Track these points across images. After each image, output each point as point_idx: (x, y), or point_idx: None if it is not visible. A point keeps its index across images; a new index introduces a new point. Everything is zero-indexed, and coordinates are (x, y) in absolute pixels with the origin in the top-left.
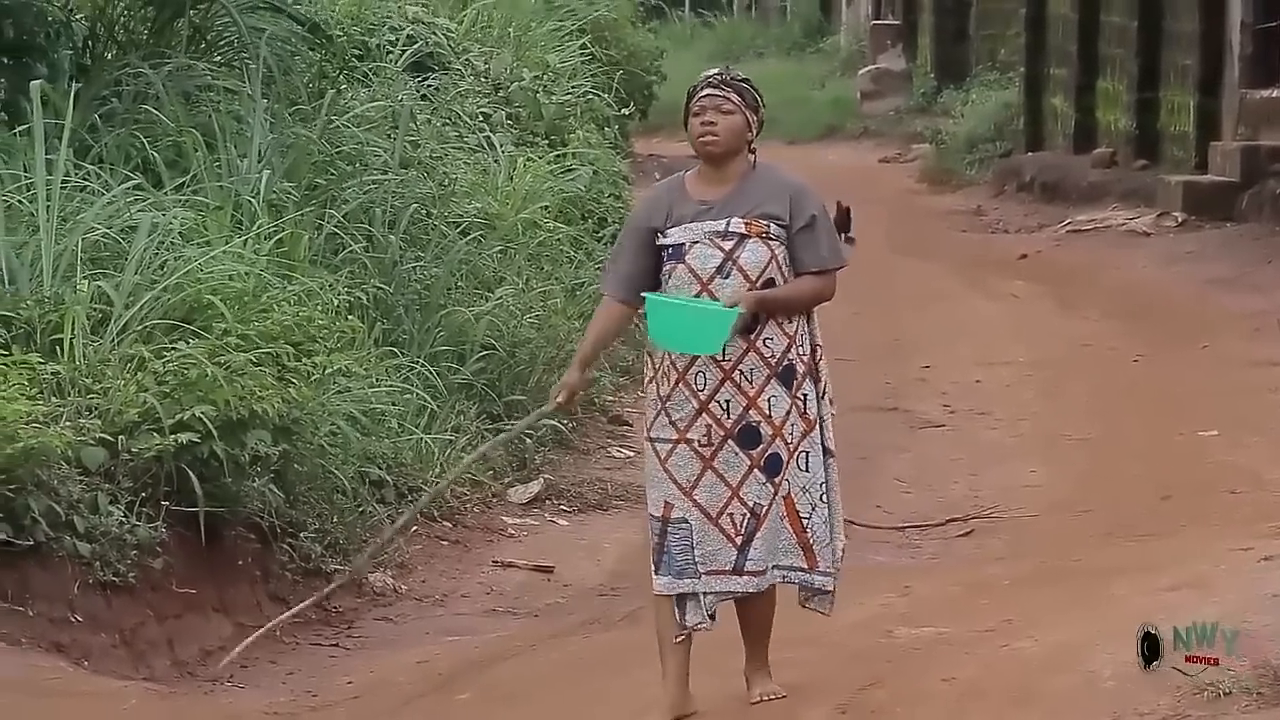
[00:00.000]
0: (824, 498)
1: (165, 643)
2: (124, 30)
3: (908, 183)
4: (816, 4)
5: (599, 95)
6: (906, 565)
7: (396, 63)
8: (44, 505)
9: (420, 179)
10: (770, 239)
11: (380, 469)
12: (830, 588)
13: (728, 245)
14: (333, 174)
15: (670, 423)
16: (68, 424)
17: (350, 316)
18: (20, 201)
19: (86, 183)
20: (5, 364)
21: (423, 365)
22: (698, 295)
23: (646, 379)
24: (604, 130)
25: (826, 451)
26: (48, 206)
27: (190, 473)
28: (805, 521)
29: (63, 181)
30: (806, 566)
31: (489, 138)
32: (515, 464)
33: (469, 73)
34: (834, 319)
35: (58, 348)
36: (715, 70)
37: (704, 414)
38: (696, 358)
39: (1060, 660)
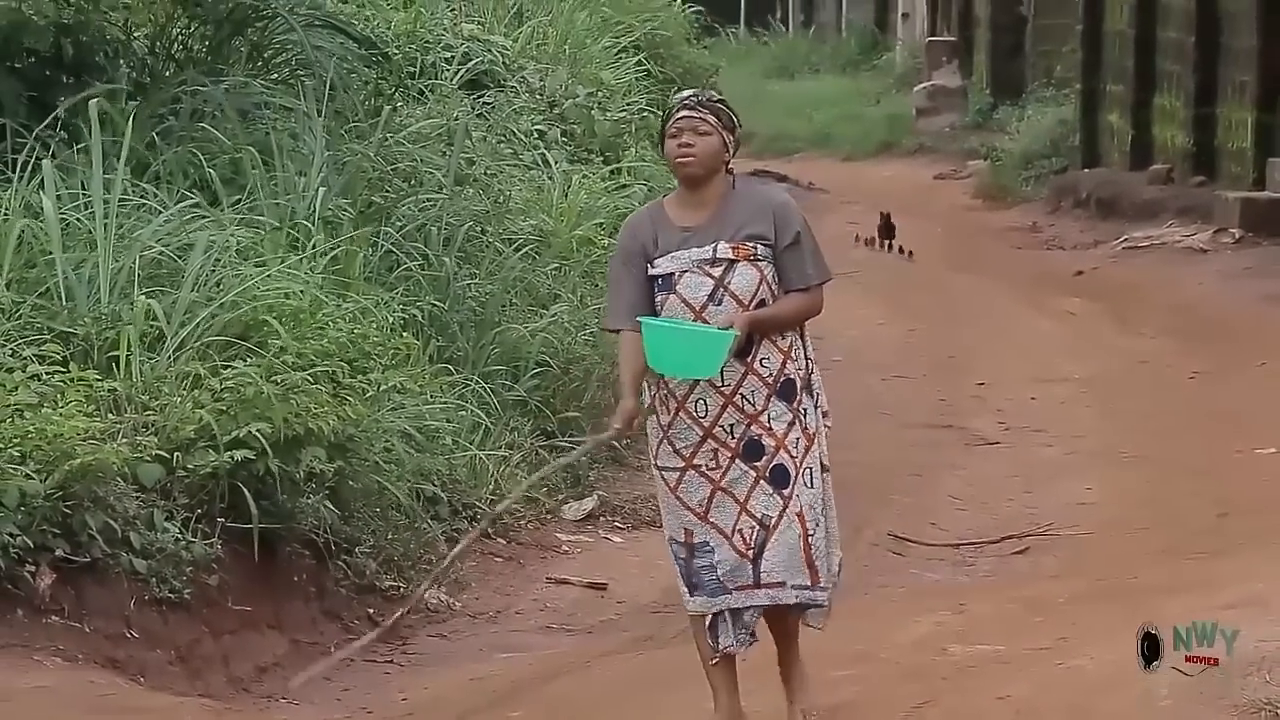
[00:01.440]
0: (824, 513)
1: (221, 659)
2: (182, 48)
3: (963, 199)
4: (872, 20)
5: (654, 112)
6: (961, 583)
7: (452, 80)
8: (101, 522)
9: (475, 196)
10: (758, 260)
11: (435, 485)
12: (825, 602)
13: (717, 272)
14: (388, 191)
15: (675, 451)
16: (124, 441)
17: (405, 334)
18: (79, 219)
19: (144, 200)
20: (63, 381)
21: (477, 382)
22: (699, 324)
23: (645, 406)
24: (658, 147)
25: (823, 468)
26: (105, 224)
27: (245, 490)
28: (810, 538)
29: (120, 199)
30: (810, 583)
31: (544, 155)
32: (569, 481)
33: (524, 90)
34: (888, 336)
35: (115, 365)
36: (690, 91)
37: (709, 440)
38: (695, 385)
39: (1116, 678)
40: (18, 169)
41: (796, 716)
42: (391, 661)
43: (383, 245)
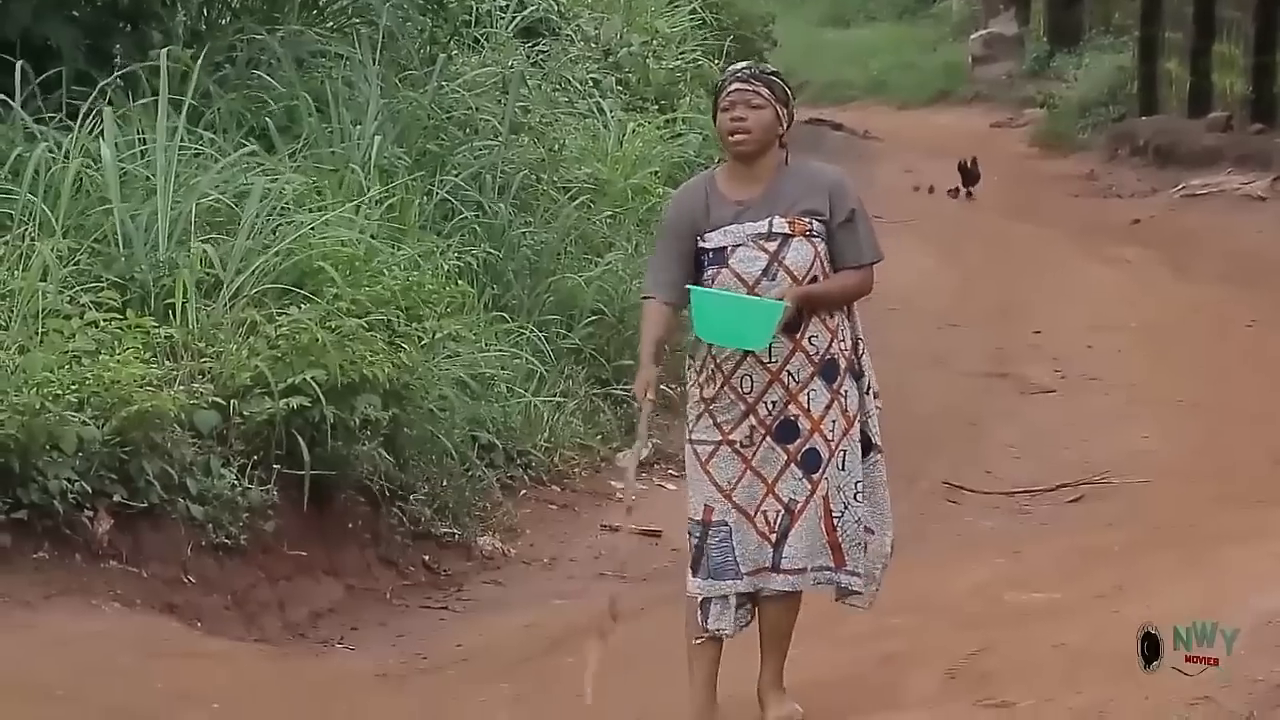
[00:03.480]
0: (857, 496)
1: (276, 604)
2: None
3: (1020, 148)
4: None
5: (709, 60)
6: (1017, 530)
7: (507, 28)
8: (158, 468)
9: (530, 145)
10: (813, 236)
11: (489, 433)
12: (858, 588)
13: (772, 246)
14: (443, 140)
15: (715, 424)
16: (181, 388)
17: (460, 282)
18: (135, 168)
19: (200, 148)
20: (120, 328)
21: (532, 330)
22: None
23: (689, 382)
24: (711, 117)
25: (874, 447)
26: (163, 172)
27: (300, 437)
28: (837, 520)
29: (178, 147)
30: (834, 565)
31: (598, 103)
32: (623, 428)
33: (579, 38)
34: (945, 285)
35: (171, 312)
36: (744, 64)
37: (750, 415)
38: (743, 360)
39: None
40: (78, 117)
41: None
42: (446, 608)
43: (438, 193)
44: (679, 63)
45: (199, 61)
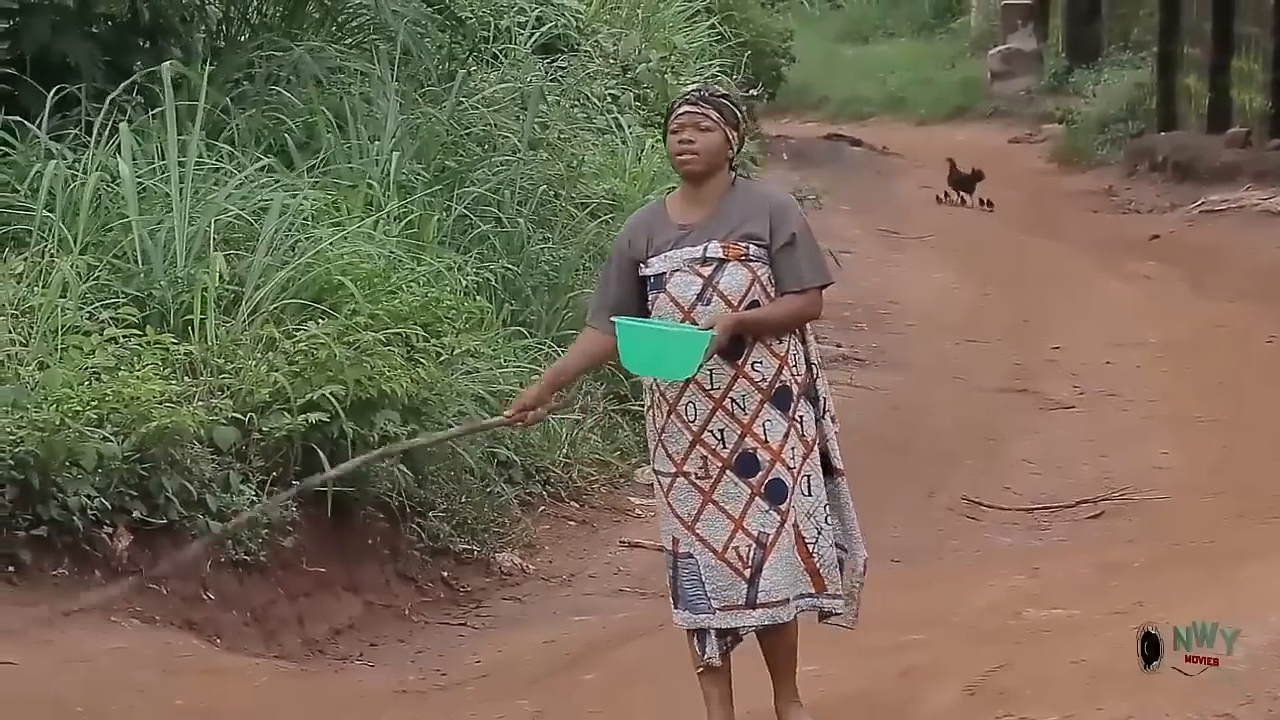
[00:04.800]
0: (828, 519)
1: (296, 620)
2: (257, 13)
3: (1038, 163)
4: None
5: (727, 76)
6: (1035, 547)
7: (525, 44)
8: (177, 484)
9: (549, 160)
10: (750, 260)
11: (508, 449)
12: (840, 609)
13: (707, 271)
14: (462, 155)
15: (667, 455)
16: (200, 403)
17: (478, 297)
18: (154, 183)
19: (219, 164)
20: (139, 344)
21: (550, 345)
22: (681, 324)
23: (646, 410)
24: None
25: (835, 470)
26: (181, 188)
27: (320, 452)
28: (811, 547)
29: (196, 163)
30: (814, 591)
31: (617, 119)
32: (641, 445)
33: (597, 54)
34: (963, 300)
35: (190, 328)
36: (694, 87)
37: (698, 445)
38: (686, 389)
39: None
40: (95, 132)
41: None
42: (465, 624)
43: (456, 209)
44: (697, 78)
45: (205, 77)
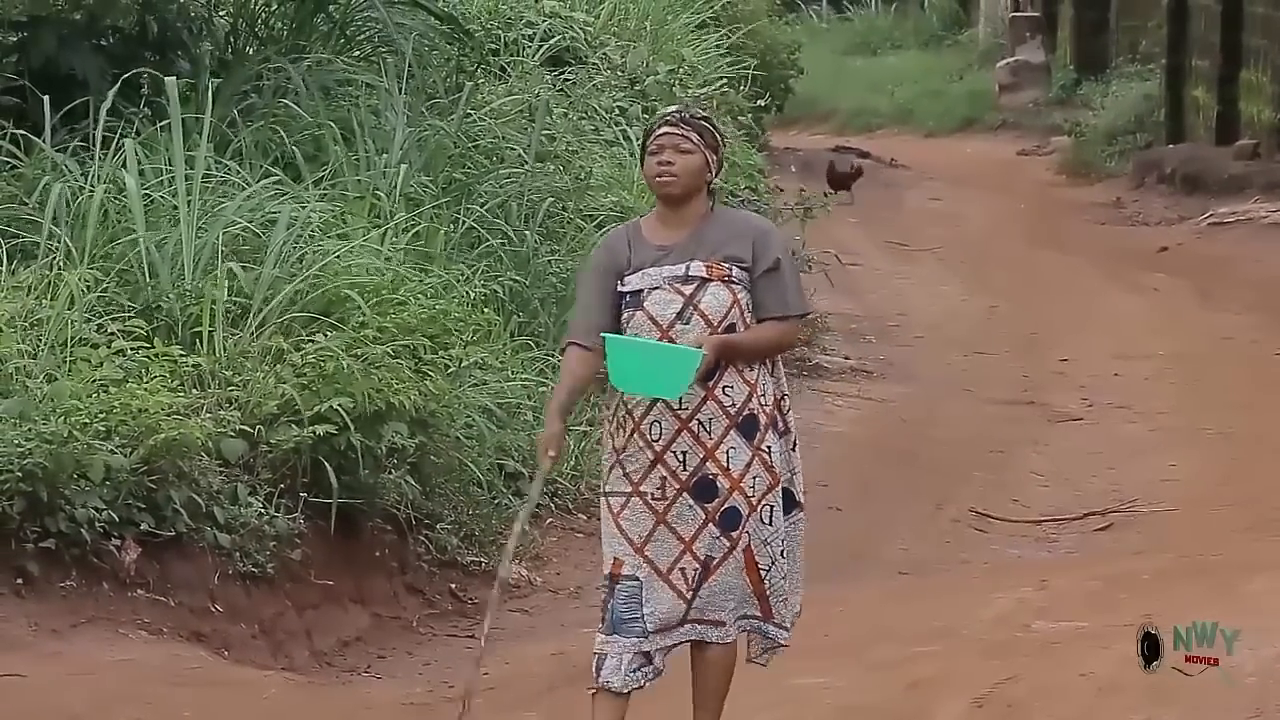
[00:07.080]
0: (784, 553)
1: (304, 633)
2: (265, 26)
3: (1046, 175)
4: None
5: (735, 88)
6: (1044, 559)
7: (533, 57)
8: (185, 496)
9: (556, 173)
10: (732, 282)
11: (516, 461)
12: (784, 641)
13: (688, 290)
14: (469, 168)
15: (624, 475)
16: (208, 416)
17: (486, 309)
18: (162, 196)
19: (227, 177)
20: (147, 357)
21: (558, 358)
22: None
23: (603, 432)
24: (740, 123)
25: (795, 504)
26: (188, 200)
27: (327, 465)
28: (764, 574)
29: (203, 175)
30: (761, 615)
31: (624, 131)
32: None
33: (605, 66)
34: (972, 312)
35: (198, 340)
36: (674, 108)
37: (659, 465)
38: (653, 408)
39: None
40: (101, 145)
41: None
42: (473, 636)
43: (464, 221)
44: (705, 90)
45: (212, 90)
